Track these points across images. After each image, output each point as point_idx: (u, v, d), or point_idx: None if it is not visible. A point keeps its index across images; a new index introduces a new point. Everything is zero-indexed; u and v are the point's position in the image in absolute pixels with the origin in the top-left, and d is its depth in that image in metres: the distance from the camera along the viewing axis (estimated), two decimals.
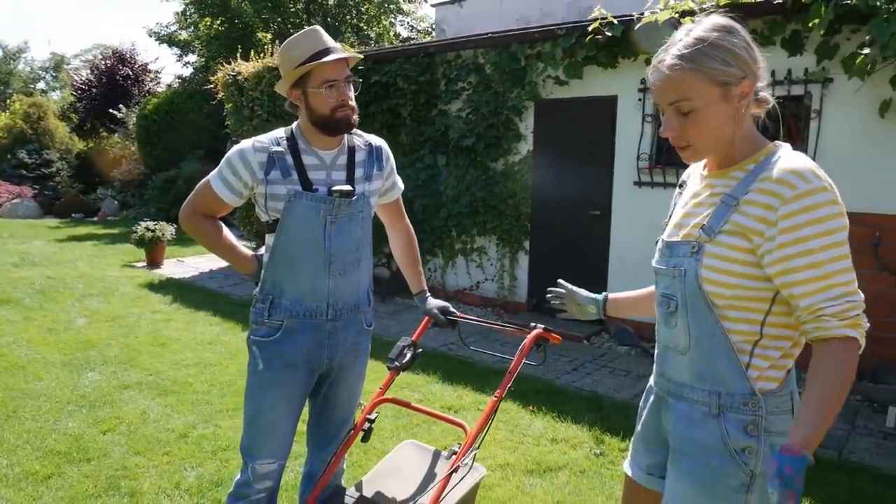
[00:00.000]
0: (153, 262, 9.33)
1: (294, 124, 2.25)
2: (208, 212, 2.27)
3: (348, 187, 2.19)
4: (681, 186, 1.75)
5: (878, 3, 4.38)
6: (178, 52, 19.52)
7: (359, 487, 2.35)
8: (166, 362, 5.06)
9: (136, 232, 9.12)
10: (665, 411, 1.66)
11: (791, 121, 5.33)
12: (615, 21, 5.62)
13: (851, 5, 4.45)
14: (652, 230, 6.38)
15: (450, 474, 2.09)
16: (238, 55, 9.32)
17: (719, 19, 1.46)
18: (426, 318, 2.59)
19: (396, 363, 2.44)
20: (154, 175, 14.90)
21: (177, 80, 19.60)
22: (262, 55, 8.94)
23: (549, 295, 2.17)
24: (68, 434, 3.75)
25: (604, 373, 5.25)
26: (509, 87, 6.62)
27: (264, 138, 2.21)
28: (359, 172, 2.25)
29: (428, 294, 2.60)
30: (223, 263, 9.50)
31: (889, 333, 5.00)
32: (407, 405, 2.49)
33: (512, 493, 3.25)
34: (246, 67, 8.84)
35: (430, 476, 2.41)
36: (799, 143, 5.26)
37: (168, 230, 9.31)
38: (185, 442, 3.71)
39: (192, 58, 20.83)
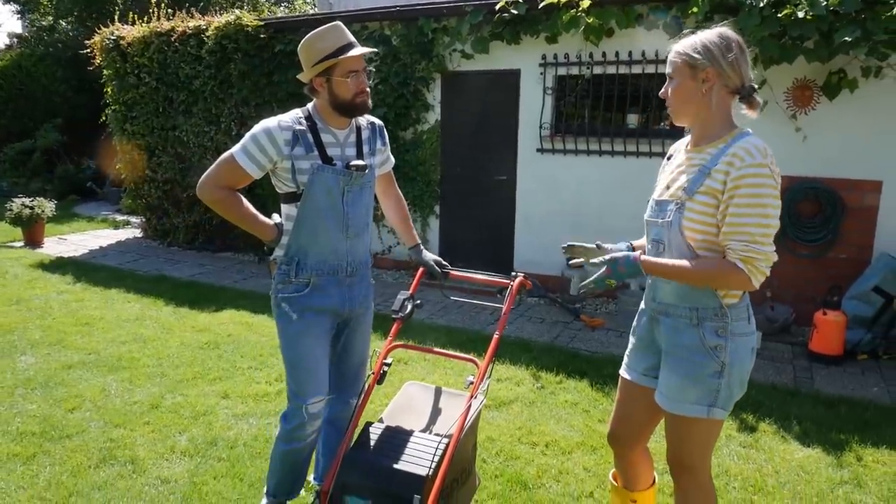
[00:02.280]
0: (33, 242, 8.72)
1: (310, 106, 2.52)
2: (230, 184, 2.46)
3: (363, 162, 2.52)
4: (668, 158, 2.27)
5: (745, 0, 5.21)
6: (18, 9, 17.49)
7: (382, 423, 2.71)
8: (101, 341, 5.00)
9: (10, 210, 8.46)
10: (657, 326, 2.20)
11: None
12: (520, 0, 6.11)
13: None
14: (553, 192, 7.10)
15: (471, 400, 2.53)
16: (95, 16, 8.79)
17: (721, 29, 2.02)
18: (420, 269, 2.97)
19: (400, 314, 2.80)
20: (4, 147, 13.58)
21: (15, 41, 17.64)
22: (146, 18, 8.52)
23: (570, 260, 2.48)
24: (33, 416, 3.73)
25: (522, 321, 5.87)
26: (417, 59, 6.95)
27: (287, 118, 2.46)
28: (366, 148, 2.60)
29: (422, 247, 2.98)
30: (112, 240, 9.13)
31: None
32: (417, 348, 2.88)
33: (480, 426, 3.73)
34: (129, 32, 8.41)
35: (437, 408, 2.82)
36: None
37: (48, 206, 8.73)
38: (159, 411, 3.83)
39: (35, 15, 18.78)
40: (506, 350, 4.94)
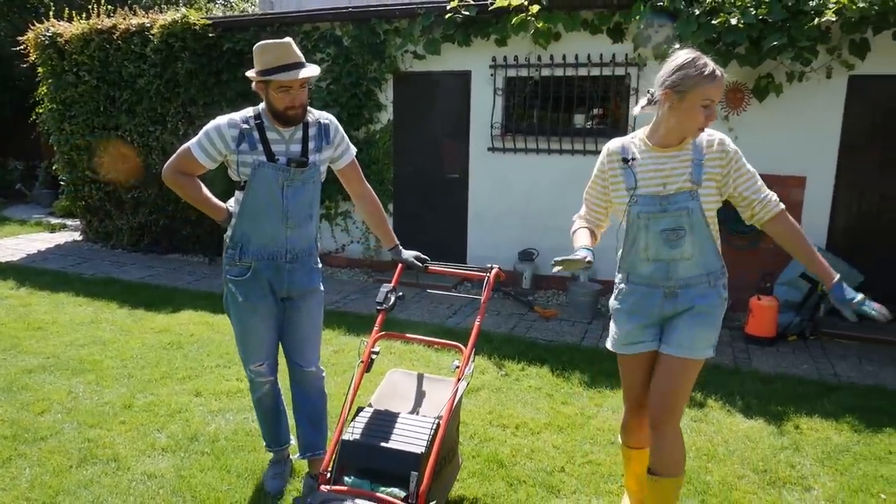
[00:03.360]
0: None
1: (260, 106, 2.76)
2: (188, 171, 2.79)
3: (303, 158, 2.77)
4: (625, 160, 2.50)
5: (681, 6, 5.57)
6: None
7: (372, 407, 2.85)
8: (58, 344, 4.91)
9: None
10: (672, 299, 2.48)
11: (614, 96, 6.50)
12: (472, 2, 6.32)
13: (664, 6, 5.60)
14: (504, 189, 7.33)
15: (458, 383, 2.70)
16: (17, 12, 8.49)
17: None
18: (399, 265, 3.13)
19: (384, 305, 2.95)
20: None
21: None
22: (84, 15, 8.28)
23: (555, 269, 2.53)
24: (1, 420, 3.67)
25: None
26: (369, 60, 7.06)
27: (237, 116, 2.73)
28: (311, 145, 2.81)
29: (400, 247, 3.14)
30: (49, 244, 8.86)
31: None
32: (403, 337, 3.03)
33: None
34: (67, 29, 8.16)
35: (421, 392, 2.98)
36: (622, 112, 6.44)
37: None
38: (133, 411, 3.83)
39: None
40: (465, 341, 5.12)
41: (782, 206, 2.45)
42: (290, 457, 3.23)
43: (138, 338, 5.10)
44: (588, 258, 2.44)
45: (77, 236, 9.41)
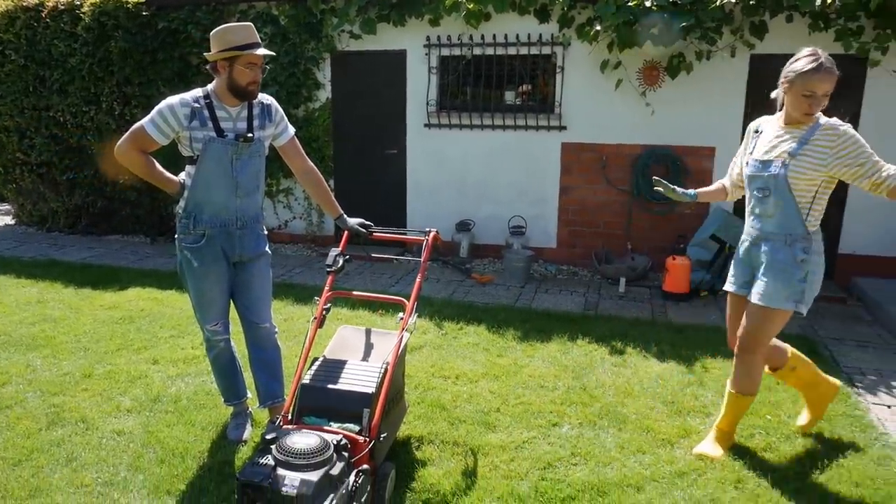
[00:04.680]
0: None
1: (209, 86, 3.07)
2: (141, 148, 3.02)
3: (249, 134, 3.07)
4: (756, 131, 3.15)
5: None
6: None
7: (325, 358, 3.16)
8: (7, 323, 4.99)
9: None
10: (756, 249, 3.08)
11: (542, 73, 6.90)
12: None
13: None
14: (441, 164, 7.69)
15: (402, 332, 3.05)
16: None
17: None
18: (345, 232, 3.44)
19: (333, 267, 3.26)
20: None
21: None
22: None
23: (655, 186, 3.50)
24: None
25: None
26: (306, 39, 7.22)
27: (188, 96, 3.02)
28: (256, 122, 3.13)
29: (345, 216, 3.44)
30: None
31: (614, 230, 6.96)
32: (350, 294, 3.35)
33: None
34: None
35: (370, 344, 3.31)
36: (550, 89, 6.86)
37: None
38: (93, 379, 4.02)
39: None
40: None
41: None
42: (250, 409, 3.52)
43: (89, 314, 5.23)
44: (688, 193, 3.42)
45: (9, 220, 9.23)
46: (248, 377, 3.50)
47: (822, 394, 3.50)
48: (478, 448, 3.32)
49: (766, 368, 3.40)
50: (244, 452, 3.23)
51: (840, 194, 6.36)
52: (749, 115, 6.42)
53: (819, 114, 2.94)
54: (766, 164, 3.01)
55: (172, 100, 2.97)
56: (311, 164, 3.42)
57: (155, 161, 3.09)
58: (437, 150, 7.26)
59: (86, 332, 4.85)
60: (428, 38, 6.95)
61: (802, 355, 3.46)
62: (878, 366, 4.60)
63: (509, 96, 7.05)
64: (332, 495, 2.38)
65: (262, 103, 3.15)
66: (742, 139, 6.40)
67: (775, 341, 3.31)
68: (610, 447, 3.37)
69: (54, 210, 8.56)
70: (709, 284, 6.16)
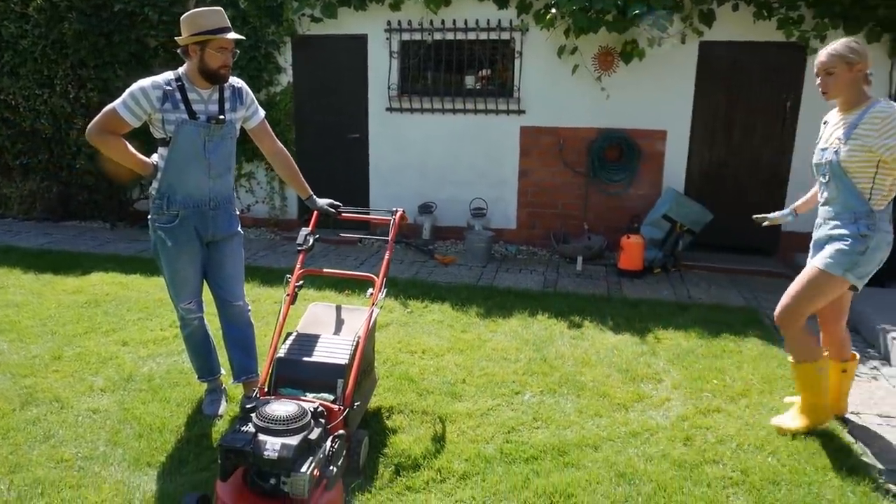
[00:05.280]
0: None
1: (181, 69, 3.14)
2: (113, 130, 3.04)
3: (221, 116, 3.15)
4: (825, 123, 3.31)
5: None
6: None
7: (299, 332, 3.28)
8: None
9: None
10: (825, 226, 3.26)
11: (501, 58, 7.06)
12: None
13: None
14: (402, 147, 7.81)
15: (373, 307, 3.20)
16: None
17: (850, 39, 3.12)
18: (315, 212, 3.55)
19: (304, 246, 3.38)
20: None
21: None
22: None
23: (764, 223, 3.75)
24: None
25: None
26: (267, 23, 7.21)
27: (160, 79, 3.08)
28: (227, 105, 3.21)
29: (314, 196, 3.56)
30: None
31: (571, 212, 7.19)
32: (320, 272, 3.47)
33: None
34: None
35: (340, 319, 3.44)
36: (508, 74, 7.02)
37: None
38: (63, 361, 4.05)
39: None
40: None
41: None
42: (223, 385, 3.62)
43: (52, 299, 5.21)
44: (786, 216, 3.64)
45: None
46: (221, 355, 3.59)
47: (818, 409, 3.39)
48: (445, 416, 3.50)
49: (792, 360, 3.41)
50: (220, 426, 3.34)
51: (783, 174, 6.73)
52: (698, 100, 6.71)
53: (875, 98, 3.10)
54: (824, 151, 3.21)
55: (144, 82, 3.02)
56: (281, 145, 3.52)
57: (127, 143, 3.14)
58: (399, 134, 7.37)
59: (51, 316, 4.84)
60: (389, 23, 7.03)
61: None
62: (816, 334, 4.93)
63: (469, 81, 7.19)
64: (310, 458, 2.52)
65: (234, 86, 3.23)
66: (691, 122, 6.72)
67: (845, 339, 3.52)
68: (569, 412, 3.59)
69: (7, 196, 8.38)
70: (661, 262, 6.45)
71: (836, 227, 3.19)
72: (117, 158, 3.13)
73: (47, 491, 2.74)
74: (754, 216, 3.76)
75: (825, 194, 3.26)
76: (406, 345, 4.44)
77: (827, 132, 3.27)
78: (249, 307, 3.51)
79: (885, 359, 4.45)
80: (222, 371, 3.61)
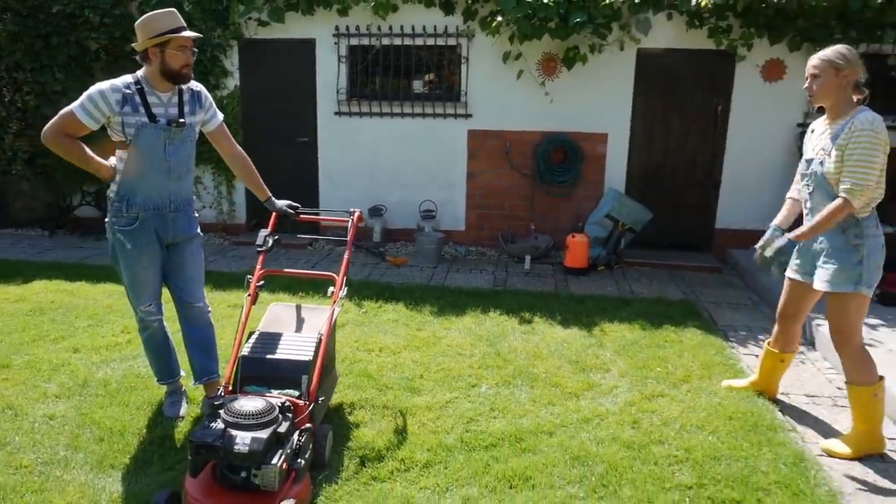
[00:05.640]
0: None
1: (139, 73, 3.16)
2: (70, 133, 3.05)
3: (182, 120, 3.19)
4: (812, 131, 3.34)
5: None
6: None
7: (261, 331, 3.33)
8: None
9: None
10: (816, 239, 3.27)
11: (448, 64, 7.22)
12: None
13: None
14: (351, 151, 7.87)
15: (334, 305, 3.28)
16: None
17: (843, 45, 3.15)
18: (273, 214, 3.61)
19: (264, 247, 3.43)
20: None
21: None
22: None
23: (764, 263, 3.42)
24: None
25: (338, 266, 6.61)
26: (212, 26, 7.16)
27: (118, 82, 3.10)
28: (186, 108, 3.25)
29: (273, 198, 3.62)
30: None
31: (518, 213, 7.40)
32: (280, 272, 3.53)
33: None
34: None
35: (301, 318, 3.51)
36: (456, 79, 7.19)
37: None
38: (13, 370, 3.96)
39: None
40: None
41: (843, 196, 3.03)
42: (184, 387, 3.63)
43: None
44: (775, 232, 3.43)
45: None
46: (181, 356, 3.60)
47: (870, 436, 3.32)
48: (405, 410, 3.61)
49: (770, 343, 3.72)
50: (183, 427, 3.36)
51: (716, 175, 7.11)
52: (637, 104, 7.02)
53: (861, 108, 3.12)
54: (809, 161, 3.26)
55: (103, 85, 3.04)
56: (240, 148, 3.56)
57: (84, 146, 3.13)
58: (349, 138, 7.43)
59: None
60: (337, 28, 7.09)
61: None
62: (749, 323, 5.27)
63: (417, 85, 7.32)
64: (280, 451, 2.59)
65: (192, 90, 3.26)
66: (630, 126, 7.03)
67: (796, 335, 3.67)
68: (524, 402, 3.75)
69: None
70: (605, 259, 6.73)
71: (827, 239, 3.22)
72: (75, 162, 3.13)
73: (9, 496, 2.71)
74: (756, 253, 3.44)
75: (810, 204, 3.29)
76: (363, 343, 4.52)
77: (812, 141, 3.31)
78: (209, 308, 3.54)
79: (811, 344, 4.79)
80: (182, 373, 3.62)
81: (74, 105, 3.02)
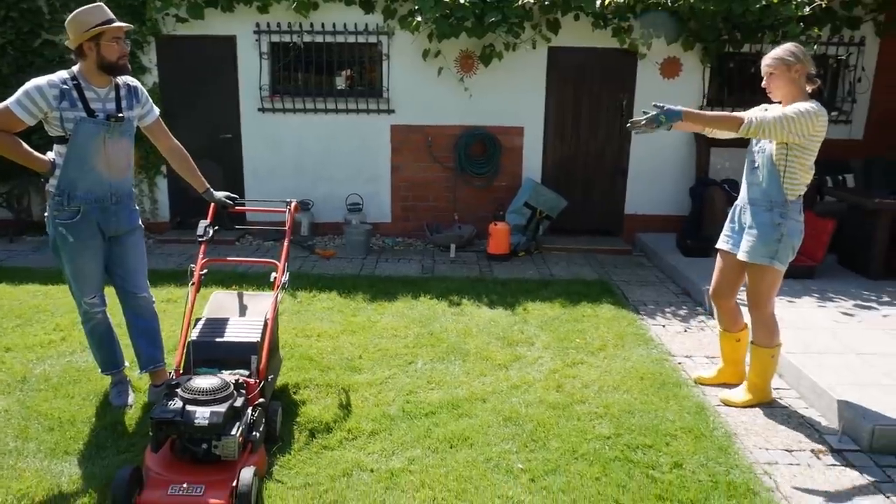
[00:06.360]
0: None
1: (74, 68, 3.23)
2: (6, 128, 3.09)
3: (121, 115, 3.28)
4: (766, 111, 3.45)
5: None
6: None
7: (207, 318, 3.47)
8: None
9: None
10: (744, 212, 3.57)
11: (369, 61, 7.43)
12: None
13: None
14: (276, 147, 7.97)
15: (277, 289, 3.47)
16: None
17: (792, 44, 3.40)
18: (212, 205, 3.74)
19: (205, 237, 3.56)
20: None
21: None
22: None
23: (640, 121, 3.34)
24: None
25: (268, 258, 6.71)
26: (128, 22, 7.03)
27: (55, 78, 3.17)
28: (124, 104, 3.35)
29: (211, 189, 3.75)
30: None
31: (441, 204, 7.70)
32: (224, 260, 3.67)
33: None
34: None
35: (244, 304, 3.66)
36: (377, 75, 7.40)
37: None
38: None
39: None
40: (263, 281, 5.78)
41: (746, 118, 3.28)
42: (128, 378, 3.70)
43: None
44: (659, 106, 3.31)
45: None
46: (124, 347, 3.67)
47: (762, 388, 3.77)
48: (348, 387, 3.83)
49: (721, 328, 3.93)
50: (133, 414, 3.45)
51: (624, 164, 7.67)
52: (549, 99, 7.47)
53: (812, 101, 3.33)
54: (759, 142, 3.50)
55: (39, 81, 3.09)
56: (177, 142, 3.67)
57: (20, 140, 3.17)
58: (273, 134, 7.51)
59: None
60: (258, 25, 7.16)
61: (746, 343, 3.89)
62: (656, 298, 5.79)
63: (339, 82, 7.49)
64: (237, 424, 2.77)
65: (129, 85, 3.36)
66: (544, 120, 7.46)
67: (736, 312, 3.88)
68: (458, 374, 4.05)
69: None
70: (525, 245, 7.14)
71: (754, 214, 3.51)
72: (11, 156, 3.16)
73: None
74: (629, 122, 3.45)
75: (750, 178, 3.56)
76: (301, 330, 4.70)
77: None
78: (154, 299, 3.63)
79: (710, 314, 5.34)
80: (126, 363, 3.69)
81: (10, 100, 3.06)
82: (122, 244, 3.46)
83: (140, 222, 3.56)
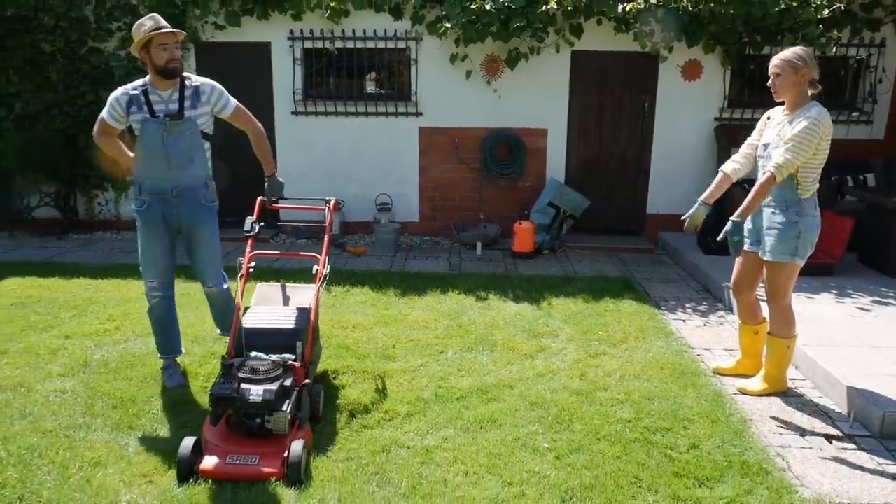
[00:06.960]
0: None
1: (146, 77, 3.61)
2: (106, 132, 3.69)
3: (175, 113, 3.57)
4: (768, 118, 3.75)
5: None
6: None
7: (254, 307, 3.74)
8: None
9: None
10: (759, 214, 3.74)
11: (398, 65, 7.70)
12: None
13: None
14: (309, 148, 8.27)
15: (319, 281, 3.74)
16: None
17: (801, 47, 3.59)
18: (258, 201, 4.02)
19: (251, 232, 3.83)
20: None
21: None
22: None
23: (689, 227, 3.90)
24: None
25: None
26: None
27: (128, 87, 3.60)
28: (187, 104, 3.64)
29: (276, 175, 4.04)
30: None
31: (468, 204, 7.94)
32: (270, 254, 3.95)
33: None
34: None
35: (287, 295, 3.93)
36: (406, 79, 7.67)
37: None
38: (11, 355, 4.22)
39: None
40: (299, 277, 6.07)
41: (770, 171, 3.43)
42: (180, 367, 3.97)
43: None
44: (699, 208, 3.81)
45: None
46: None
47: (777, 378, 3.94)
48: (383, 373, 4.09)
49: (740, 321, 4.11)
50: (189, 394, 3.74)
51: (645, 165, 7.84)
52: (573, 102, 7.68)
53: (814, 102, 3.55)
54: (767, 146, 3.64)
55: (117, 92, 3.60)
56: (259, 127, 3.96)
57: (119, 141, 3.69)
58: (306, 137, 7.82)
59: None
60: (291, 32, 7.46)
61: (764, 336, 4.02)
62: (677, 295, 5.96)
63: (369, 86, 7.77)
64: (287, 401, 3.04)
65: (195, 86, 3.64)
66: (568, 122, 7.66)
67: (755, 305, 4.04)
68: (486, 363, 4.29)
69: None
70: (549, 244, 7.35)
71: (771, 215, 3.67)
72: (112, 153, 3.73)
73: (45, 453, 3.06)
74: (684, 223, 3.95)
75: None
76: (337, 322, 4.97)
77: (771, 128, 3.70)
78: (226, 284, 3.93)
79: (729, 309, 5.50)
80: (181, 351, 3.98)
81: (104, 111, 3.62)
82: (190, 237, 3.79)
83: (209, 216, 3.80)
